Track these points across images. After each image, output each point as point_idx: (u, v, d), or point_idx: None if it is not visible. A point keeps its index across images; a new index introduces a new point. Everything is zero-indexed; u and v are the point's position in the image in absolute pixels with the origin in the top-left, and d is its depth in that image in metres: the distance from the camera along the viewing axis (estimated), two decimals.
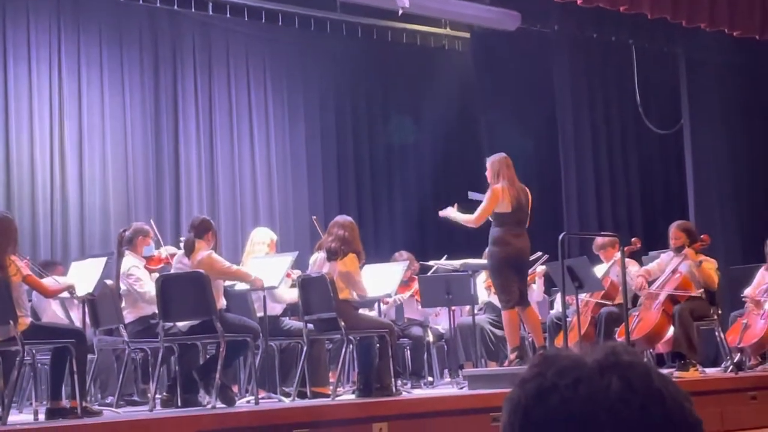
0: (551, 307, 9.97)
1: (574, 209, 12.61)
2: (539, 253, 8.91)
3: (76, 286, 6.65)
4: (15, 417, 6.45)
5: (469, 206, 7.86)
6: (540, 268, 9.32)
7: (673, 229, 8.68)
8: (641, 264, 9.25)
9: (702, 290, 8.47)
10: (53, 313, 8.36)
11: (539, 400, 1.13)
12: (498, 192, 7.61)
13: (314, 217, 9.10)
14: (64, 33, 11.33)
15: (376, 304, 8.69)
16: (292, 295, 7.94)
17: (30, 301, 7.09)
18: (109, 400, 7.81)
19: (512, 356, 7.76)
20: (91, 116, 11.41)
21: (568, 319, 8.45)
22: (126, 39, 11.74)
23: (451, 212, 7.83)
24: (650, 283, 8.57)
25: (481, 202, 7.71)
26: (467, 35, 13.68)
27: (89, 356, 6.85)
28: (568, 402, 1.11)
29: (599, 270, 8.94)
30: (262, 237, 8.20)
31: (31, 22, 11.13)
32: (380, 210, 13.35)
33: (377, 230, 12.95)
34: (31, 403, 7.42)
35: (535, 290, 9.52)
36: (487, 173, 7.81)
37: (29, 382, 7.79)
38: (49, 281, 6.66)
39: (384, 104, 13.58)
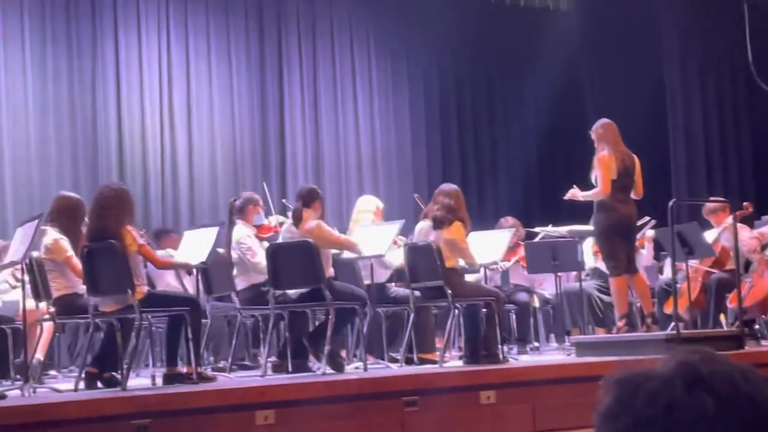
0: (660, 272, 9.82)
1: (683, 174, 12.37)
2: (647, 218, 8.78)
3: (191, 263, 6.84)
4: (133, 381, 6.65)
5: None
6: (649, 233, 9.18)
7: None
8: (753, 229, 9.03)
9: None
10: (167, 281, 8.59)
11: None
12: (606, 159, 7.51)
13: (416, 195, 9.13)
14: (172, 4, 11.55)
15: (482, 271, 8.69)
16: (399, 260, 8.00)
17: (145, 268, 7.29)
18: (222, 364, 8.01)
19: (621, 323, 7.69)
20: (199, 86, 11.63)
21: (677, 286, 8.32)
22: (232, 8, 11.91)
23: (577, 193, 7.74)
24: (764, 247, 8.36)
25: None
26: None
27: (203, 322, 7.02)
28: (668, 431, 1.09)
29: (710, 235, 8.77)
30: (368, 205, 8.25)
31: None
32: (484, 177, 13.31)
33: (481, 197, 12.92)
34: (148, 367, 7.66)
35: (644, 255, 9.39)
36: (593, 139, 7.71)
37: (146, 348, 8.03)
38: (162, 254, 6.84)
39: (488, 68, 13.49)
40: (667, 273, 9.14)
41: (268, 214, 8.21)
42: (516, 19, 13.35)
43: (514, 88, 13.38)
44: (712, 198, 10.68)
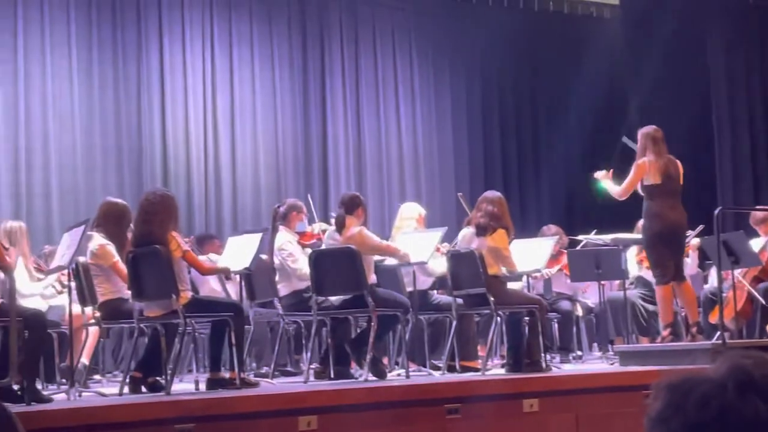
0: (705, 281, 9.72)
1: (729, 183, 12.24)
2: (701, 227, 8.72)
3: (231, 269, 6.87)
4: (176, 386, 6.70)
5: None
6: (694, 242, 9.09)
7: None
8: None
9: None
10: (210, 286, 8.64)
11: None
12: (642, 166, 7.47)
13: (460, 194, 9.10)
14: (216, 11, 11.64)
15: (524, 279, 8.65)
16: (442, 267, 7.98)
17: (189, 274, 7.33)
18: (264, 370, 8.03)
19: (665, 332, 7.62)
20: (242, 92, 11.71)
21: (723, 295, 8.22)
22: (275, 16, 11.98)
23: (604, 177, 7.73)
24: None
25: (634, 148, 7.65)
26: (616, 2, 13.38)
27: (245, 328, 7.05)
28: None
29: (756, 244, 8.66)
30: (410, 212, 8.24)
31: (185, 2, 11.46)
32: (526, 183, 13.26)
33: (524, 205, 12.87)
34: (191, 372, 7.70)
35: (689, 264, 9.29)
36: (638, 145, 7.68)
37: (189, 353, 8.08)
38: (204, 260, 6.88)
39: (531, 75, 13.45)
40: (713, 282, 9.05)
41: (311, 221, 8.23)
42: (559, 26, 13.29)
43: (557, 95, 13.32)
44: (759, 207, 10.54)
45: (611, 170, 7.82)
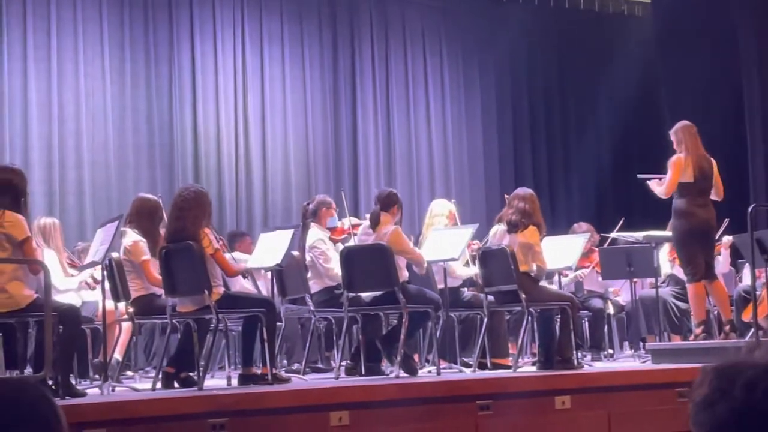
0: (739, 280, 9.65)
1: (762, 179, 12.13)
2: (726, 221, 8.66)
3: (257, 266, 6.87)
4: (208, 382, 6.72)
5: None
6: (725, 239, 9.03)
7: None
8: None
9: None
10: (242, 283, 8.67)
11: (735, 422, 1.10)
12: (680, 162, 7.42)
13: (507, 195, 9.10)
14: (248, 10, 11.69)
15: (556, 276, 8.62)
16: (466, 272, 7.98)
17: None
18: (295, 366, 8.05)
19: (698, 330, 7.58)
20: (273, 91, 11.75)
21: (756, 293, 8.16)
22: (306, 15, 12.02)
23: (648, 179, 7.68)
24: None
25: (648, 181, 7.60)
26: (647, 0, 13.31)
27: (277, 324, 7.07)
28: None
29: None
30: (441, 209, 8.21)
31: (216, 2, 11.52)
32: (556, 181, 13.22)
33: (554, 202, 12.83)
34: (223, 368, 7.73)
35: (721, 262, 9.23)
36: (673, 141, 7.63)
37: (221, 350, 8.12)
38: (231, 260, 6.90)
39: (561, 74, 13.41)
40: (746, 280, 8.98)
41: (341, 216, 8.24)
42: (590, 25, 13.24)
43: (588, 93, 13.27)
44: None
45: (662, 178, 7.72)
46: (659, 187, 7.56)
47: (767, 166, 12.24)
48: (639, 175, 7.95)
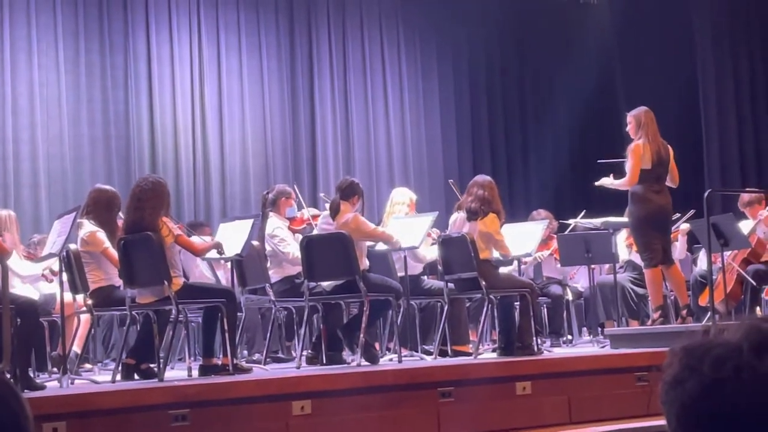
0: (695, 264, 9.76)
1: (717, 166, 12.28)
2: (692, 212, 8.75)
3: (223, 245, 6.80)
4: (169, 373, 6.70)
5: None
6: (683, 226, 9.13)
7: None
8: None
9: None
10: (200, 272, 8.63)
11: (705, 397, 1.11)
12: (639, 149, 7.46)
13: (451, 180, 9.09)
14: None
15: (515, 263, 8.67)
16: (432, 254, 7.99)
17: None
18: (256, 357, 8.03)
19: (655, 315, 7.65)
20: (230, 80, 11.68)
21: (713, 277, 8.26)
22: (262, 3, 11.95)
23: (606, 181, 7.69)
24: None
25: (611, 166, 7.62)
26: None
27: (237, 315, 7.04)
28: (737, 393, 1.09)
29: (745, 227, 8.69)
30: (402, 197, 8.23)
31: None
32: (515, 168, 13.27)
33: (512, 189, 12.88)
34: (183, 360, 7.69)
35: (678, 248, 9.33)
36: (629, 127, 7.64)
37: (181, 341, 8.07)
38: (196, 240, 6.86)
39: (519, 61, 13.45)
40: (702, 265, 9.09)
41: (299, 207, 8.23)
42: (548, 12, 13.28)
43: (546, 81, 13.33)
44: (747, 189, 10.58)
45: (611, 174, 7.74)
46: (617, 180, 7.57)
47: (722, 152, 12.40)
48: (600, 161, 7.99)
